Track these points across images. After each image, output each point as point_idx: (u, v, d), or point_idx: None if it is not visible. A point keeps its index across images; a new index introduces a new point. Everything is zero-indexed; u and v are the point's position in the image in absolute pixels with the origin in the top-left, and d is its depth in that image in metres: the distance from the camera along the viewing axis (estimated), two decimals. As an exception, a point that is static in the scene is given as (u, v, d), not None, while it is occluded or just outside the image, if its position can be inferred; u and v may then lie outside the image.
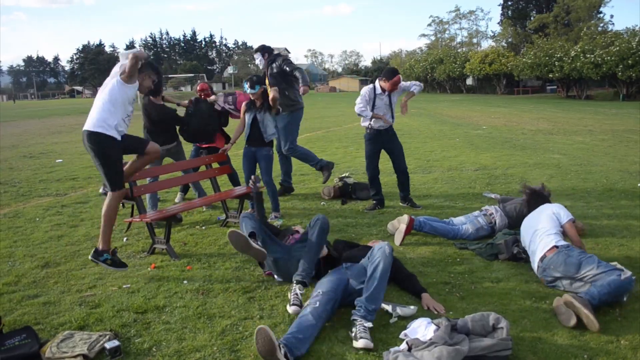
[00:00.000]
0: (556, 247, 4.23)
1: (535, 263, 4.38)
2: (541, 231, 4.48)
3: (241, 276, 4.56)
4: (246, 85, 6.33)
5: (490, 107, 31.57)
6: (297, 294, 3.89)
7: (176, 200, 7.51)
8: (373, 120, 6.61)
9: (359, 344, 3.28)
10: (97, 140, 4.47)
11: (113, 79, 4.55)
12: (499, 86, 56.55)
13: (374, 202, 6.95)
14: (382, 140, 6.79)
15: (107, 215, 4.59)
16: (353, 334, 3.38)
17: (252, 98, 6.39)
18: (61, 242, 5.74)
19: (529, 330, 3.50)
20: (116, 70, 4.60)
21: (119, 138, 4.57)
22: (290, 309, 3.78)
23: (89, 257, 4.60)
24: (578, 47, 41.51)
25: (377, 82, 6.73)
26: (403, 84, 6.74)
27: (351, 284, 3.86)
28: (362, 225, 6.13)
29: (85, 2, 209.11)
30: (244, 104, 6.49)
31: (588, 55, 39.33)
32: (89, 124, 4.51)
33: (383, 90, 6.62)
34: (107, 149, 4.51)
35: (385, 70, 6.77)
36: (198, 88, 7.25)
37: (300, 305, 3.75)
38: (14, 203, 7.79)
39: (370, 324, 3.44)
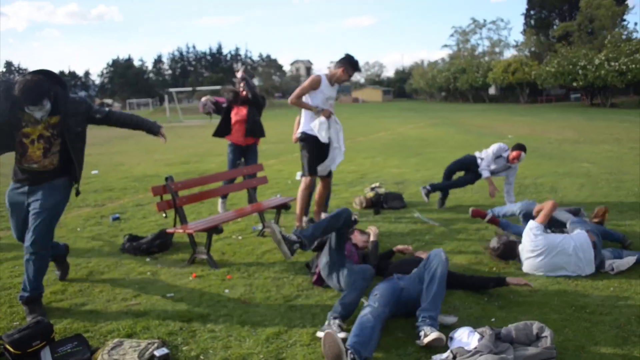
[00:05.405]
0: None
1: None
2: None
3: (281, 285, 4.64)
4: None
5: (514, 116, 31.40)
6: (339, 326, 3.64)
7: (219, 209, 7.65)
8: None
9: (429, 337, 3.38)
10: None
11: None
12: (522, 95, 56.16)
13: None
14: None
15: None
16: (421, 337, 3.45)
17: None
18: (102, 252, 5.88)
19: (571, 339, 3.51)
20: None
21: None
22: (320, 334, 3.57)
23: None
24: (602, 55, 41.07)
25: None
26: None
27: (405, 293, 3.90)
28: (397, 235, 6.18)
29: (115, 19, 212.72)
30: None
31: (612, 64, 38.91)
32: None
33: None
34: None
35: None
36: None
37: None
38: (53, 214, 7.97)
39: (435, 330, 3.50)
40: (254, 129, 7.27)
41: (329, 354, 3.09)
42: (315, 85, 5.84)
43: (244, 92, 7.12)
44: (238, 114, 7.26)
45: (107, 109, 4.52)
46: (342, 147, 6.02)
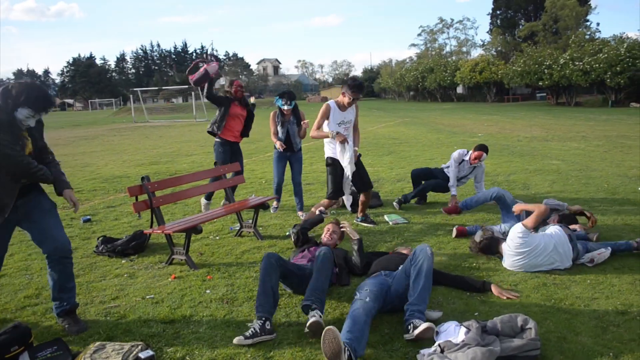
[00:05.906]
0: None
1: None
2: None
3: (263, 285, 4.60)
4: (282, 101, 6.99)
5: (482, 115, 31.85)
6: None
7: (202, 210, 7.53)
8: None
9: (420, 328, 3.40)
10: None
11: None
12: (489, 94, 57.00)
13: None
14: None
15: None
16: (410, 330, 3.47)
17: (285, 112, 7.11)
18: (76, 255, 5.73)
19: (553, 331, 3.58)
20: None
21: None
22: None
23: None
24: (567, 54, 42.00)
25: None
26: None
27: (393, 290, 3.93)
28: (375, 233, 6.20)
29: (75, 16, 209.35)
30: (275, 116, 7.18)
31: (577, 63, 39.82)
32: None
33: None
34: None
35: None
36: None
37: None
38: (22, 217, 7.75)
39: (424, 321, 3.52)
40: (247, 132, 7.72)
41: (329, 351, 3.08)
42: (326, 114, 6.15)
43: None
44: (238, 113, 7.41)
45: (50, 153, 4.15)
46: (349, 164, 6.12)
